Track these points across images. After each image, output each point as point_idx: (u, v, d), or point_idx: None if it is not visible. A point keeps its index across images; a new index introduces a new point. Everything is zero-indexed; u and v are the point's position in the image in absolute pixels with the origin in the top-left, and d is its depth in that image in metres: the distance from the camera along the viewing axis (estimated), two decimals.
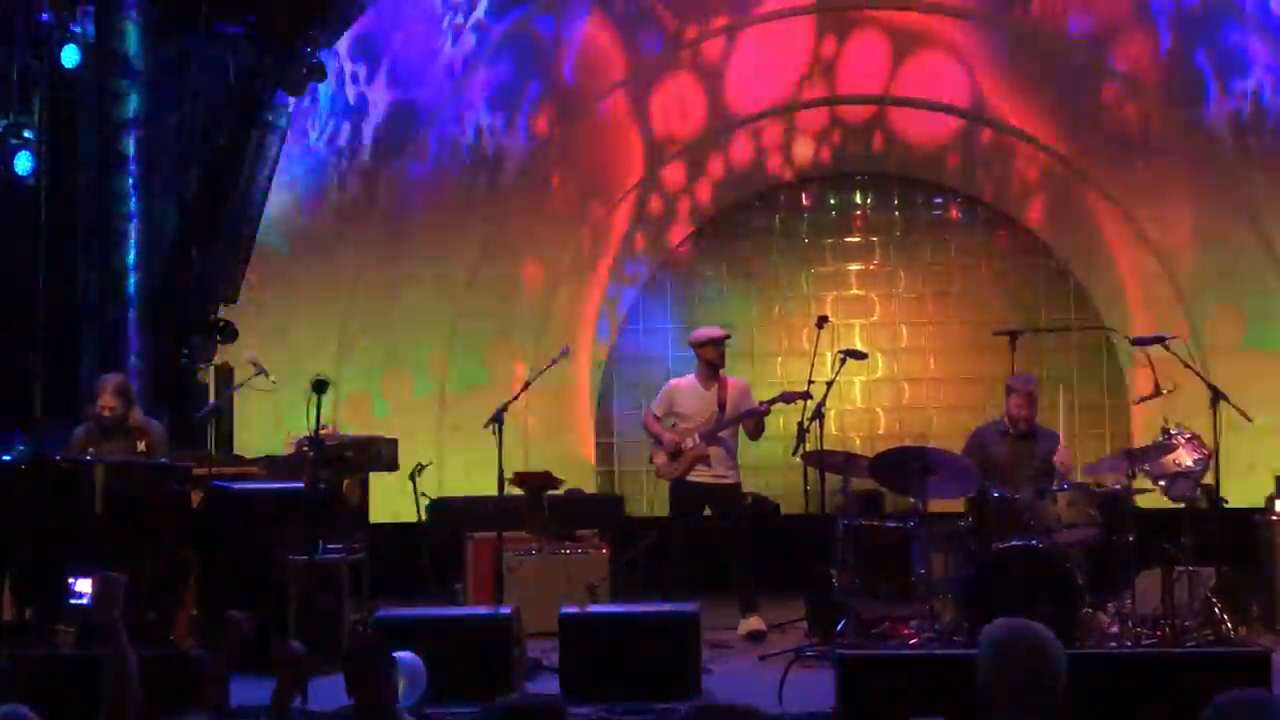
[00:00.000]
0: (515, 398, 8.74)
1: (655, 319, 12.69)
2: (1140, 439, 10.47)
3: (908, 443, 10.47)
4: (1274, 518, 9.18)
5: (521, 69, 11.82)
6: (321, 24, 10.41)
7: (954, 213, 12.74)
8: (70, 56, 9.63)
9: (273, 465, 9.39)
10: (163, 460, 8.28)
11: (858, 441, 11.72)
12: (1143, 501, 8.49)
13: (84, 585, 7.27)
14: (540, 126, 12.05)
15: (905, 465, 8.25)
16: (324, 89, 11.02)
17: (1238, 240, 11.59)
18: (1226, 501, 8.44)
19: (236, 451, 10.37)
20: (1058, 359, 12.12)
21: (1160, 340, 8.76)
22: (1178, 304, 11.69)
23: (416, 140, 11.82)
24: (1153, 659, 6.80)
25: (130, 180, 10.09)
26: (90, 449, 8.22)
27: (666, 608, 7.95)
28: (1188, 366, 8.56)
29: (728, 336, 9.68)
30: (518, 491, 9.76)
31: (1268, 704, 3.46)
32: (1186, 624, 8.05)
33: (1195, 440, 8.42)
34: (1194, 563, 8.30)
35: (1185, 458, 8.33)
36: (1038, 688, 3.63)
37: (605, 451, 12.55)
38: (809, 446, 8.64)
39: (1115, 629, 7.94)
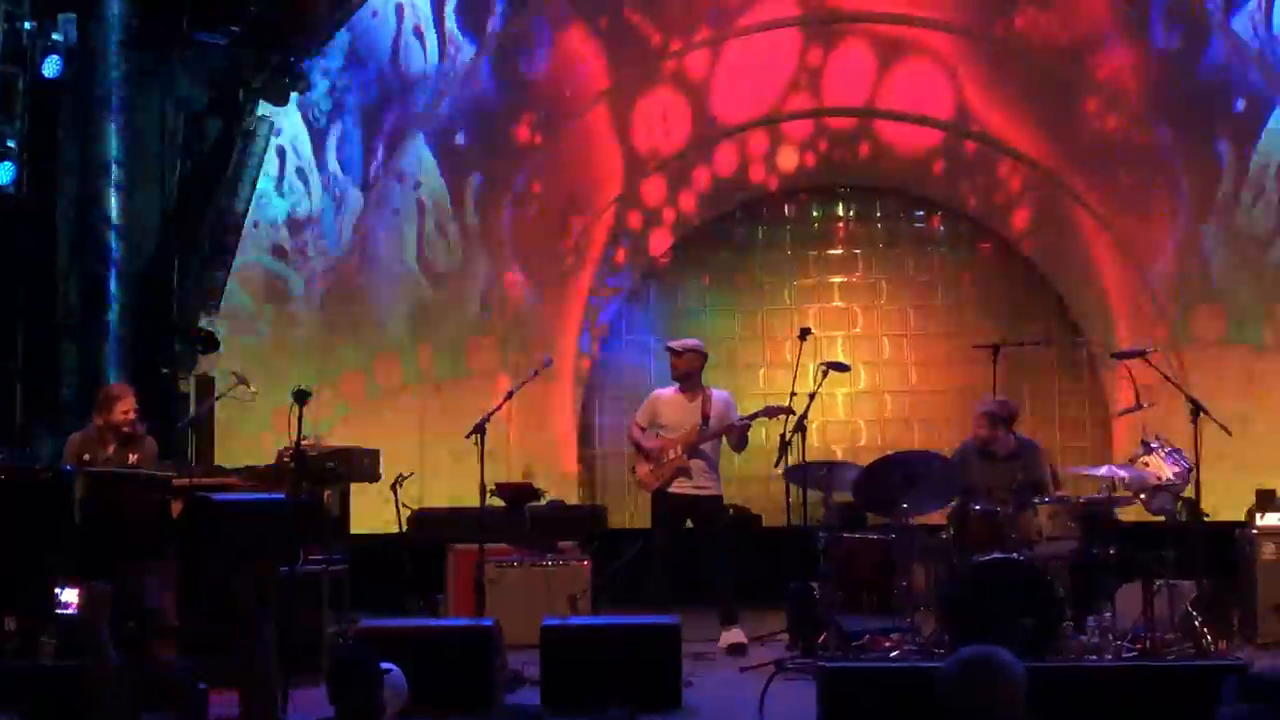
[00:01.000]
0: (497, 408, 8.76)
1: (638, 330, 12.68)
2: (1121, 452, 10.47)
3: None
4: (1254, 531, 9.21)
5: (503, 81, 11.80)
6: (304, 34, 10.38)
7: (937, 225, 12.77)
8: (51, 66, 9.59)
9: (253, 476, 9.34)
10: (141, 471, 8.24)
11: (840, 453, 11.75)
12: (1124, 515, 8.51)
13: (69, 595, 7.22)
14: (522, 137, 12.03)
15: (889, 478, 8.25)
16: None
17: (1219, 253, 11.62)
18: (1208, 516, 8.45)
19: (217, 462, 10.32)
20: (1039, 372, 12.15)
21: (1141, 354, 8.77)
22: (1159, 317, 11.72)
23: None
24: (1133, 672, 6.80)
25: (111, 190, 10.05)
26: (86, 454, 8.18)
27: (647, 620, 7.92)
28: (1168, 380, 8.58)
29: (695, 350, 9.56)
30: (499, 503, 9.74)
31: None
32: (1167, 637, 8.05)
33: (1176, 453, 8.42)
34: (1175, 576, 8.30)
35: (1166, 471, 8.33)
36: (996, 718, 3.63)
37: (587, 462, 12.53)
38: (791, 459, 8.64)
39: (1096, 642, 7.94)
